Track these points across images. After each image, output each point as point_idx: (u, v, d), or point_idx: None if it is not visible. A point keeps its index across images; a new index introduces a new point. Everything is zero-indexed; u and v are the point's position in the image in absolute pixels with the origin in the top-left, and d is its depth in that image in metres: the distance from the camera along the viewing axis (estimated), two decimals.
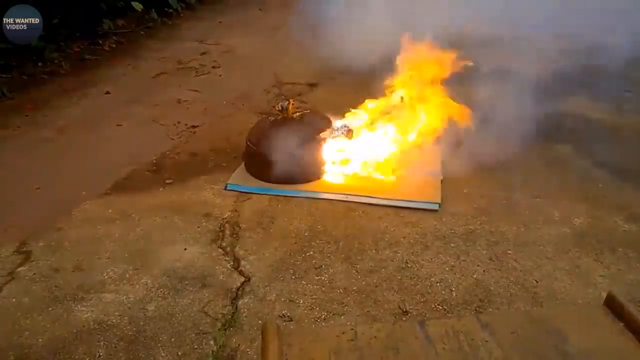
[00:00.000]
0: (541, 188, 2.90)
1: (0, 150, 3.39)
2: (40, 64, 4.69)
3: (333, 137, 3.02)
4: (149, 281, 2.23)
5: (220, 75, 4.76)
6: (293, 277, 2.26)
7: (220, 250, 2.43)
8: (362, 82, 3.68)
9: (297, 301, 2.12)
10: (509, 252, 2.41)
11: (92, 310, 2.08)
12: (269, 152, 2.88)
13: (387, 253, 2.40)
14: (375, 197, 2.79)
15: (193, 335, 1.96)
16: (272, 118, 3.09)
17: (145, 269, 2.31)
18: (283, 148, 2.87)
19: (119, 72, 4.79)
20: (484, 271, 2.29)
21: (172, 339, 1.94)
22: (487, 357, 1.01)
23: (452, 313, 2.06)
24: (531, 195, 2.84)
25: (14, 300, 2.14)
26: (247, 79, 4.63)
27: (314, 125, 3.02)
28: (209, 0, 7.33)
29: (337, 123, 3.10)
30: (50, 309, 2.09)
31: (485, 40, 3.88)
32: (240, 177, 2.98)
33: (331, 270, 2.29)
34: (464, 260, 2.35)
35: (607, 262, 2.34)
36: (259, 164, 2.96)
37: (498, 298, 2.14)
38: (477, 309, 2.08)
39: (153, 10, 6.05)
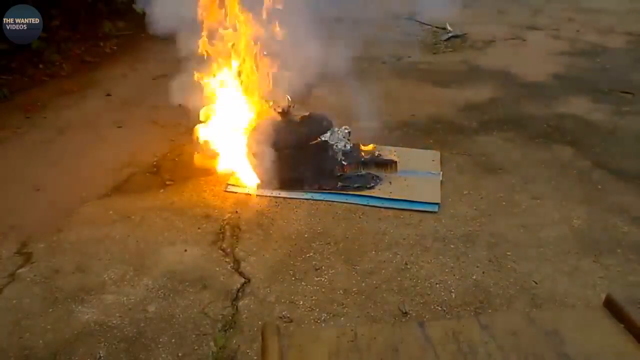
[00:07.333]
0: (541, 189, 2.91)
1: (0, 151, 3.40)
2: (40, 65, 4.70)
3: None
4: (149, 282, 2.24)
5: None
6: (293, 278, 2.26)
7: (220, 251, 2.43)
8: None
9: (297, 302, 2.13)
10: (508, 253, 2.41)
11: (93, 312, 2.08)
12: (268, 153, 2.89)
13: (387, 254, 2.40)
14: (375, 198, 2.80)
15: (193, 336, 1.97)
16: (272, 120, 3.09)
17: (146, 270, 2.31)
18: (283, 149, 2.88)
19: (119, 74, 4.80)
20: (483, 272, 2.29)
21: (173, 340, 1.95)
22: (487, 358, 1.01)
23: (452, 314, 2.06)
24: (531, 196, 2.84)
25: (14, 301, 2.14)
26: None
27: (314, 127, 3.03)
28: None
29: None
30: (50, 310, 2.09)
31: None
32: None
33: (331, 272, 2.30)
34: (463, 262, 2.35)
35: (607, 263, 2.34)
36: (259, 166, 2.97)
37: (497, 299, 2.14)
38: (477, 310, 2.08)
39: None
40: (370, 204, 2.77)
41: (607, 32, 5.96)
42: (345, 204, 2.77)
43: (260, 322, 2.00)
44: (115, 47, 5.45)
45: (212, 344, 1.94)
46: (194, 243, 2.49)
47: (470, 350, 1.03)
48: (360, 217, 2.68)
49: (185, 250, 2.43)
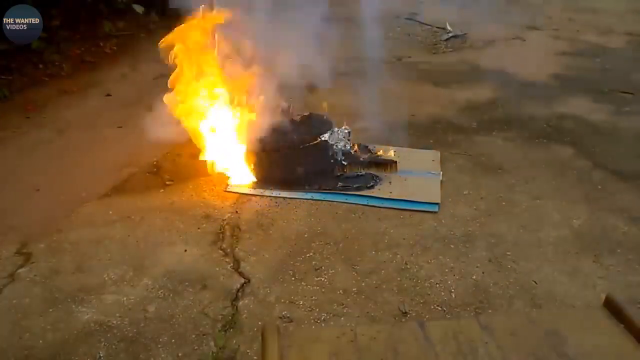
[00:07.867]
0: (541, 189, 2.91)
1: (0, 151, 3.40)
2: (40, 65, 4.69)
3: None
4: (149, 282, 2.23)
5: None
6: (293, 278, 2.26)
7: (220, 251, 2.43)
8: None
9: (297, 302, 2.13)
10: (508, 253, 2.41)
11: (93, 312, 2.08)
12: (269, 153, 2.89)
13: (387, 254, 2.40)
14: (375, 198, 2.80)
15: (193, 336, 1.97)
16: (272, 120, 3.09)
17: (146, 270, 2.31)
18: (283, 150, 2.88)
19: (119, 74, 4.79)
20: (483, 272, 2.29)
21: (173, 340, 1.95)
22: (487, 358, 1.01)
23: (452, 314, 2.06)
24: (531, 196, 2.84)
25: (14, 301, 2.14)
26: None
27: (314, 127, 3.03)
28: None
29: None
30: (50, 310, 2.09)
31: None
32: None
33: (331, 272, 2.29)
34: (463, 262, 2.35)
35: (607, 263, 2.34)
36: (259, 166, 2.97)
37: (497, 299, 2.14)
38: (477, 310, 2.08)
39: (153, 12, 6.06)
40: (370, 204, 2.77)
41: (607, 32, 5.96)
42: (345, 204, 2.77)
43: (260, 322, 2.00)
44: (115, 47, 5.44)
45: (212, 344, 1.93)
46: (194, 243, 2.49)
47: (470, 350, 1.03)
48: (360, 217, 2.68)
49: (185, 250, 2.43)
